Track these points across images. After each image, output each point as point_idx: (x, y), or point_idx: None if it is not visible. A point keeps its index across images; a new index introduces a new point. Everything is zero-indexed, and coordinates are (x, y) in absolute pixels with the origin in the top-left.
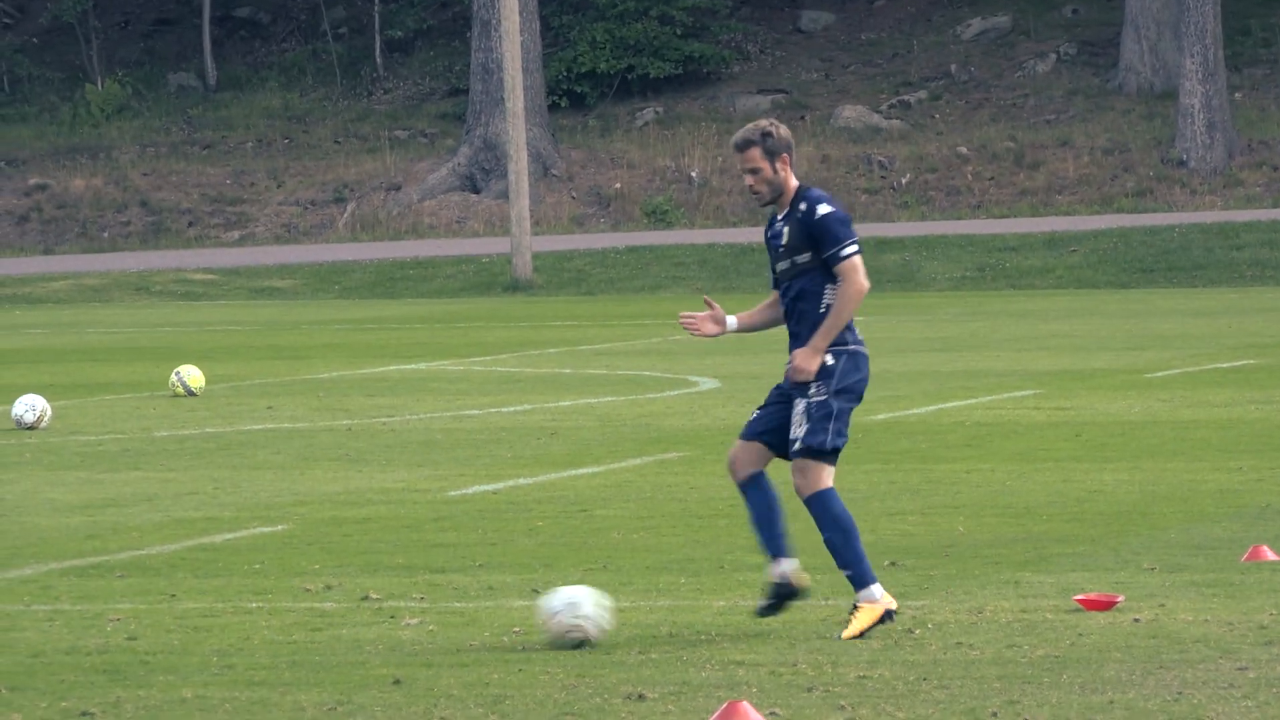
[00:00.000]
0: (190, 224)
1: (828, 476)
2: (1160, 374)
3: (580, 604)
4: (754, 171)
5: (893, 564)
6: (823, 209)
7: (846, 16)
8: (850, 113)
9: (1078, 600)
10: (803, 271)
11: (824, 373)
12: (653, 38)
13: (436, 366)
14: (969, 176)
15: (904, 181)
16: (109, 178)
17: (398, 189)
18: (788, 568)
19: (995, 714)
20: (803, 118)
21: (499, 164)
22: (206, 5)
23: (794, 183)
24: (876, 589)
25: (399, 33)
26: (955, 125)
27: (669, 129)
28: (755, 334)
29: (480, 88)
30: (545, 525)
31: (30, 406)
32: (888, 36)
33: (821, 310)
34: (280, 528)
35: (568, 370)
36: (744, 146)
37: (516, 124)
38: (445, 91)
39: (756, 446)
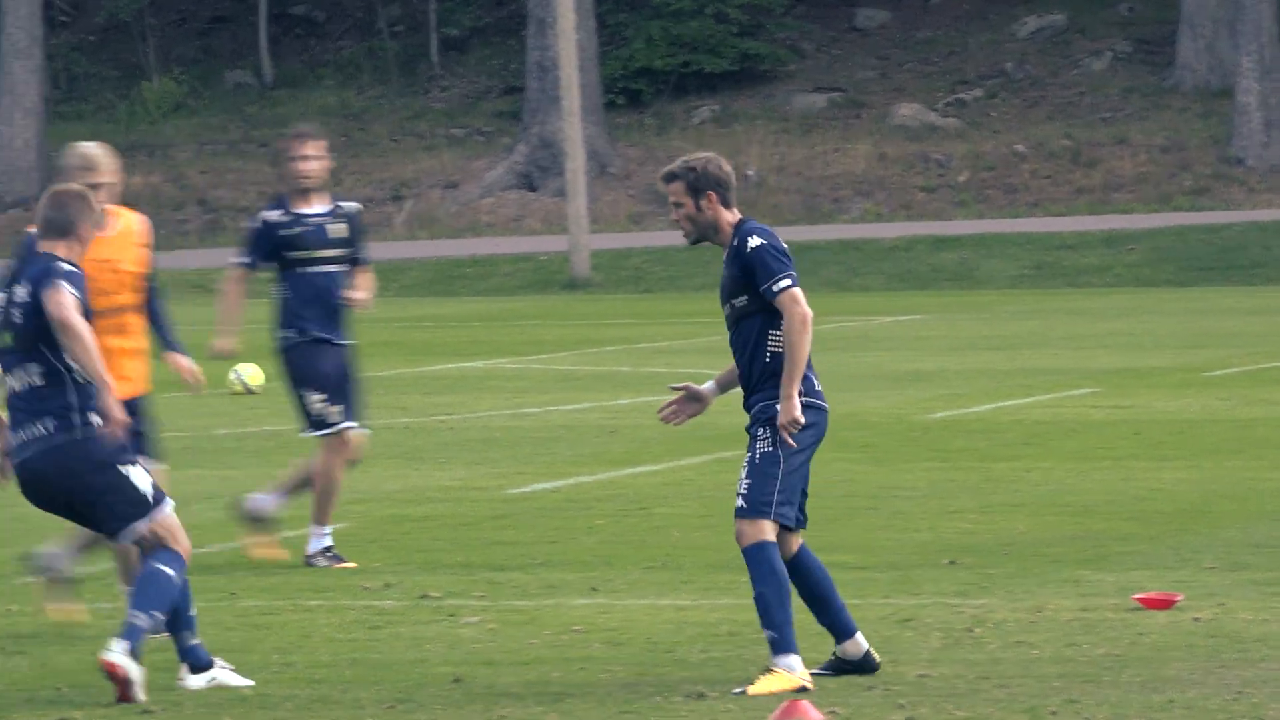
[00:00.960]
0: (248, 221)
1: (769, 529)
2: (1219, 372)
3: None
4: (678, 205)
5: (952, 562)
6: (754, 241)
7: (902, 14)
8: (907, 111)
9: (1137, 599)
10: (742, 316)
11: (773, 423)
12: (709, 35)
13: (494, 364)
14: (1026, 174)
15: (961, 180)
16: (166, 175)
17: (455, 187)
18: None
19: (1055, 713)
20: (859, 116)
21: (556, 162)
22: (263, 3)
23: (730, 218)
24: (796, 660)
25: (455, 30)
26: (1012, 123)
27: (725, 127)
28: (814, 334)
29: (536, 85)
30: (605, 523)
31: None
32: (943, 34)
33: (768, 359)
34: (340, 526)
35: (626, 368)
36: (668, 180)
37: (573, 122)
38: (501, 89)
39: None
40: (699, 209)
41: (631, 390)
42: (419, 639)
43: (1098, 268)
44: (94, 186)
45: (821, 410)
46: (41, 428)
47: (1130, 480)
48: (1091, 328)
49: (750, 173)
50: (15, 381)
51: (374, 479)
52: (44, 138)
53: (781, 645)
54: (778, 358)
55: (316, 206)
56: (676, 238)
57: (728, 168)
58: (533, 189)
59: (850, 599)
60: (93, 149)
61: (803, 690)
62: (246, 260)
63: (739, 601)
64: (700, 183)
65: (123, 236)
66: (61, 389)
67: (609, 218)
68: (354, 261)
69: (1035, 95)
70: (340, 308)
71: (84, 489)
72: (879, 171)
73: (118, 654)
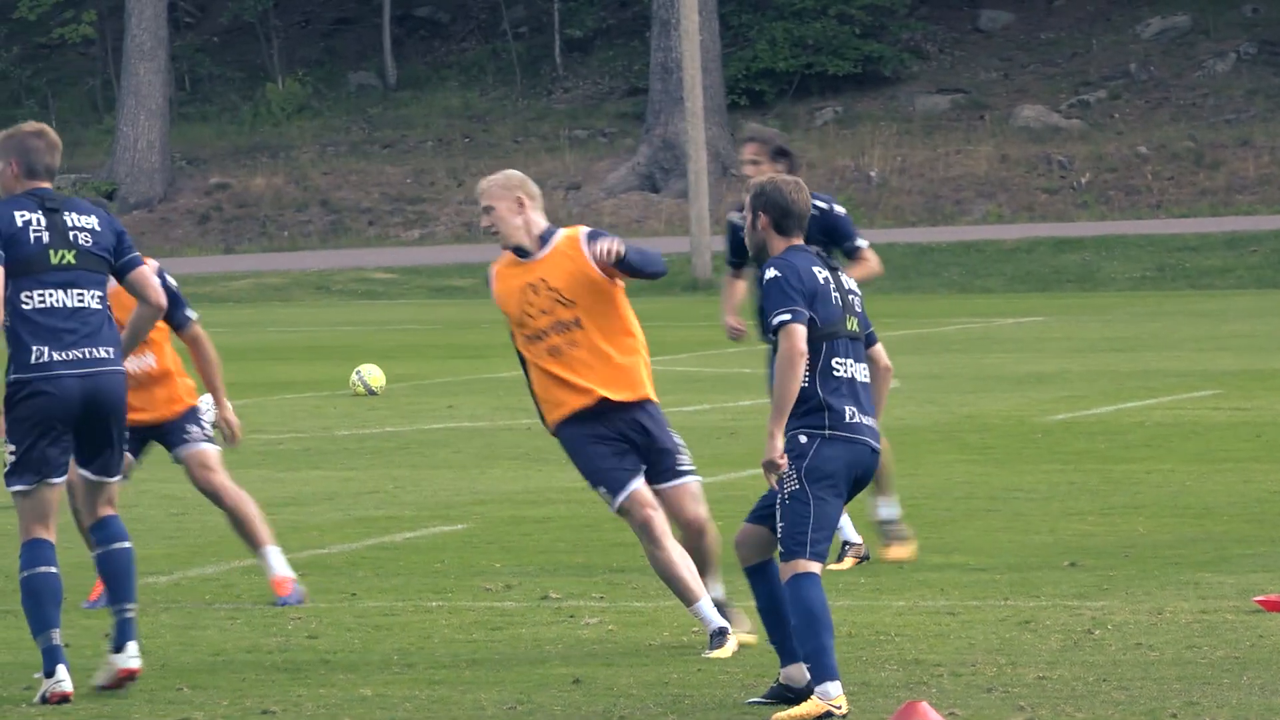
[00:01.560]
0: (370, 223)
1: (805, 565)
2: None
3: None
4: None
5: (1072, 564)
6: (769, 273)
7: (1025, 16)
8: (1029, 112)
9: (1258, 601)
10: (772, 346)
11: (797, 460)
12: (831, 37)
13: None
14: (1148, 176)
15: (1083, 181)
16: (289, 177)
17: (578, 188)
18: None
19: (1174, 715)
20: (982, 117)
21: (678, 163)
22: (387, 4)
23: (778, 246)
24: (832, 686)
25: (579, 32)
26: (1135, 125)
27: (848, 128)
28: (935, 335)
29: (660, 87)
30: (725, 525)
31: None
32: (1067, 35)
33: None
34: (460, 527)
35: (747, 370)
36: (750, 193)
37: (696, 123)
38: (624, 90)
39: (761, 530)
40: (754, 226)
41: (752, 392)
42: (539, 640)
43: (1220, 269)
44: None
45: (850, 443)
46: None
47: (1251, 482)
48: (1213, 330)
49: (873, 174)
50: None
51: (494, 480)
52: (168, 139)
53: (818, 673)
54: (803, 390)
55: None
56: None
57: (794, 196)
58: (655, 190)
59: (969, 600)
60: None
61: (827, 716)
62: (731, 261)
63: (857, 603)
64: (756, 203)
65: None
66: None
67: None
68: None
69: (1158, 97)
70: None
71: None
72: (1001, 173)
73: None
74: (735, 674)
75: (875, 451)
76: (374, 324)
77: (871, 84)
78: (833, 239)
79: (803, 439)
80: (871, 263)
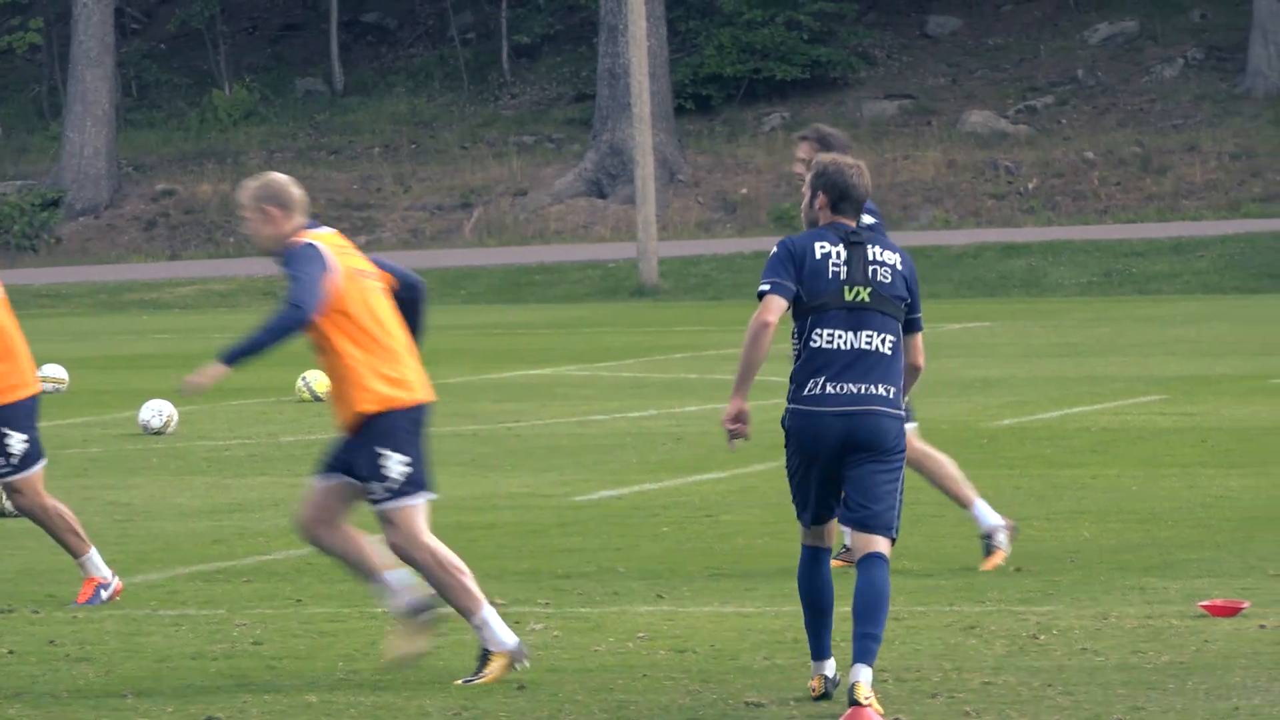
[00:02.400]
0: None
1: (803, 535)
2: None
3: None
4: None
5: (1018, 569)
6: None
7: (973, 21)
8: (977, 118)
9: (1203, 606)
10: None
11: (787, 434)
12: (779, 42)
13: (562, 372)
14: (1095, 181)
15: (1030, 187)
16: (236, 183)
17: (524, 194)
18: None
19: None
20: (929, 123)
21: (625, 169)
22: (334, 10)
23: (821, 220)
24: (822, 664)
25: (526, 38)
26: (1082, 130)
27: (795, 133)
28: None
29: (607, 93)
30: (670, 530)
31: (157, 412)
32: (1014, 41)
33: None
34: None
35: (693, 375)
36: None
37: (643, 129)
38: (572, 97)
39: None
40: (811, 204)
41: (698, 398)
42: None
43: (1166, 275)
44: None
45: (804, 415)
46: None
47: (1196, 487)
48: (1160, 335)
49: None
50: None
51: (441, 486)
52: (115, 145)
53: (810, 647)
54: (796, 361)
55: None
56: (744, 245)
57: (854, 180)
58: (602, 196)
59: (915, 606)
60: None
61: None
62: None
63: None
64: (816, 181)
65: None
66: None
67: (678, 225)
68: None
69: (1106, 102)
70: None
71: None
72: (948, 178)
73: None
74: (680, 680)
75: (849, 415)
76: None
77: (819, 89)
78: None
79: (783, 415)
80: None
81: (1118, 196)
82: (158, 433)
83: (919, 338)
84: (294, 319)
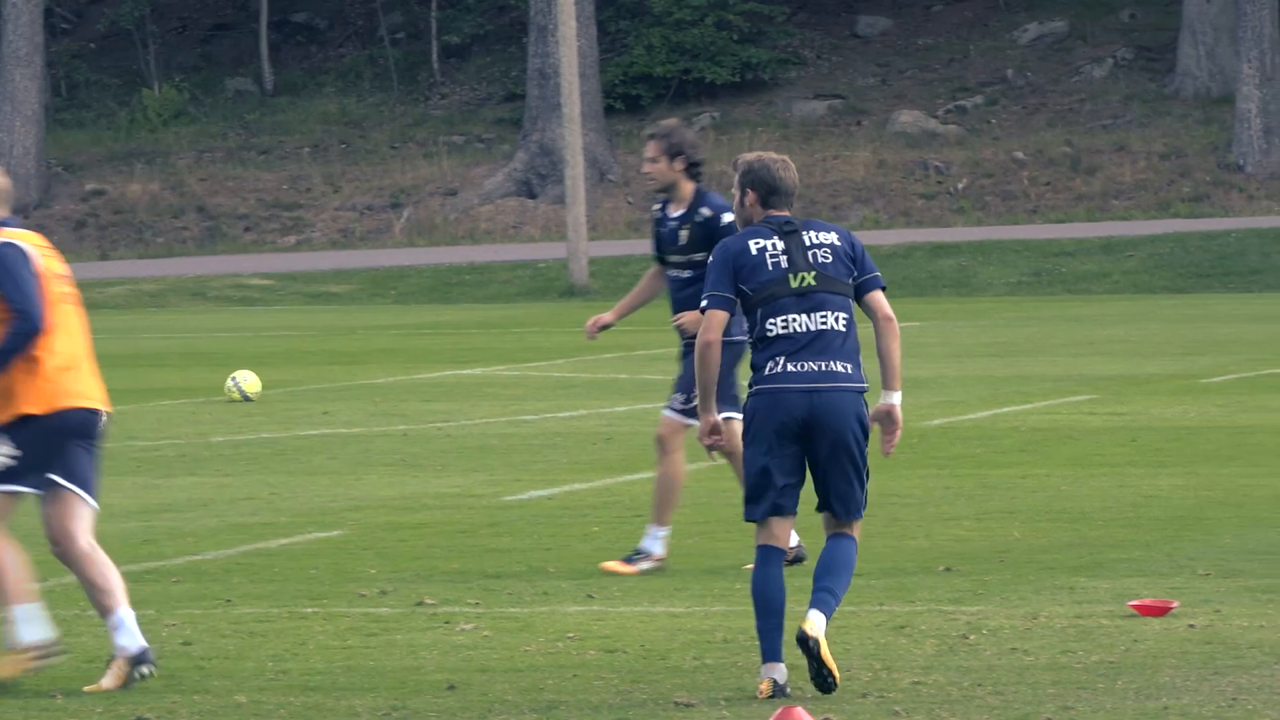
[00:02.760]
0: (247, 229)
1: (757, 531)
2: (1216, 379)
3: None
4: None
5: (947, 569)
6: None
7: (903, 22)
8: (907, 118)
9: (1133, 606)
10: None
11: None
12: (709, 43)
13: (492, 372)
14: (1025, 181)
15: (960, 186)
16: (166, 183)
17: (454, 194)
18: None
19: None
20: (859, 123)
21: (555, 169)
22: (264, 10)
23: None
24: (766, 668)
25: (456, 38)
26: (1011, 130)
27: (725, 133)
28: None
29: (537, 93)
30: (601, 530)
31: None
32: (944, 41)
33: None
34: (336, 533)
35: (624, 375)
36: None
37: (573, 129)
38: (502, 97)
39: (822, 516)
40: (742, 203)
41: (628, 398)
42: (414, 646)
43: (1096, 274)
44: None
45: (768, 394)
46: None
47: (1126, 487)
48: (1089, 334)
49: None
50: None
51: (370, 486)
52: (44, 145)
53: (761, 645)
54: (751, 357)
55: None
56: None
57: (781, 174)
58: (532, 196)
59: (845, 606)
60: None
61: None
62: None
63: (733, 609)
64: (744, 180)
65: None
66: None
67: (608, 225)
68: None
69: (1035, 102)
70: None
71: None
72: (878, 178)
73: None
74: (610, 680)
75: (813, 392)
76: (250, 330)
77: (749, 89)
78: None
79: (746, 403)
80: None
81: (1047, 196)
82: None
83: (879, 294)
84: (26, 332)
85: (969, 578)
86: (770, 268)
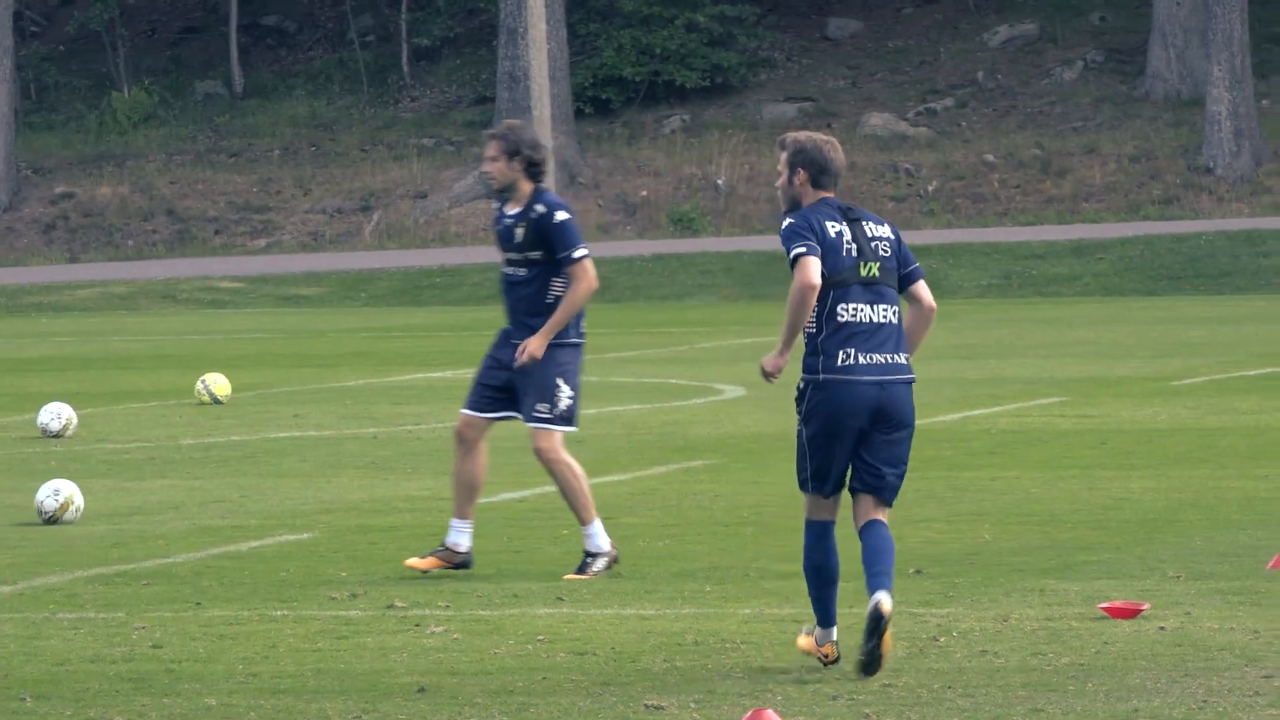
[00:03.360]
0: (217, 232)
1: (806, 503)
2: (1186, 381)
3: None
4: (779, 173)
5: (917, 572)
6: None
7: (874, 24)
8: (877, 120)
9: (1103, 608)
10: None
11: (798, 398)
12: (679, 45)
13: (463, 374)
14: (995, 184)
15: (930, 189)
16: (135, 186)
17: (424, 197)
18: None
19: None
20: (830, 125)
21: None
22: (233, 13)
23: (811, 198)
24: (821, 631)
25: (426, 41)
26: (982, 133)
27: (695, 136)
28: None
29: (507, 95)
30: (570, 533)
31: (56, 415)
32: (915, 44)
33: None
34: (306, 536)
35: (593, 378)
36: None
37: (543, 132)
38: (472, 99)
39: (853, 498)
40: (790, 182)
41: (598, 400)
42: (384, 649)
43: (1066, 277)
44: None
45: (841, 385)
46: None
47: (1096, 489)
48: (1059, 337)
49: (720, 182)
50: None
51: (340, 489)
52: (14, 148)
53: (818, 619)
54: (808, 335)
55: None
56: (644, 247)
57: (830, 154)
58: None
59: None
60: None
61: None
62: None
63: (703, 611)
64: (795, 159)
65: None
66: None
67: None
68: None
69: (1006, 105)
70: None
71: None
72: (848, 180)
73: None
74: (581, 683)
75: (883, 385)
76: (220, 333)
77: (719, 92)
78: (549, 246)
79: (801, 385)
80: (584, 280)
81: (1017, 199)
82: (56, 435)
83: (923, 284)
84: None
85: (939, 580)
86: (844, 253)
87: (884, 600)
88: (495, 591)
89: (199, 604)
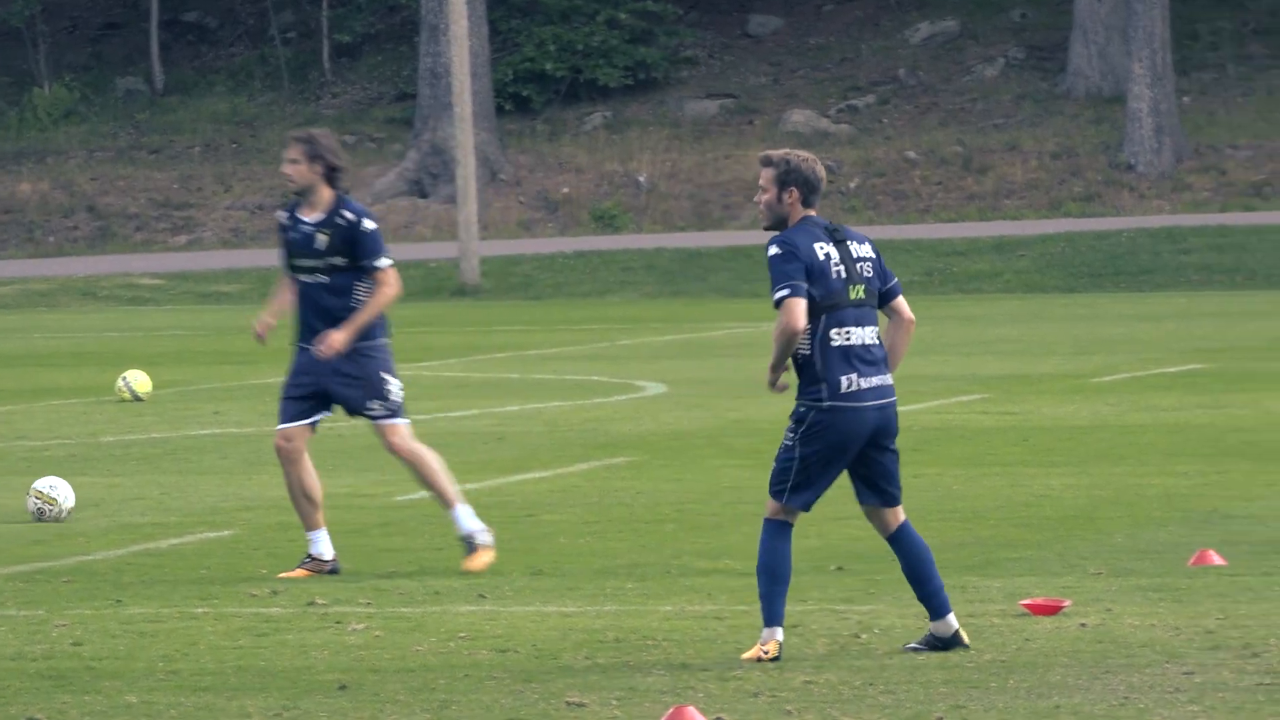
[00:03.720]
0: (137, 229)
1: (782, 508)
2: (1107, 379)
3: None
4: (763, 190)
5: (839, 569)
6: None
7: (795, 21)
8: (798, 117)
9: (1024, 605)
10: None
11: (797, 419)
12: (600, 42)
13: None
14: (917, 181)
15: (852, 186)
16: (56, 182)
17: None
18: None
19: (941, 718)
20: (751, 122)
21: (447, 169)
22: (154, 10)
23: (798, 215)
24: (768, 631)
25: (347, 37)
26: (903, 129)
27: (617, 133)
28: (703, 340)
29: (428, 92)
30: (492, 530)
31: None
32: (836, 41)
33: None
34: (227, 533)
35: (515, 375)
36: (763, 164)
37: (464, 128)
38: (393, 96)
39: (871, 508)
40: (780, 200)
41: (520, 397)
42: (305, 646)
43: (988, 274)
44: None
45: (847, 411)
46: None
47: (1018, 486)
48: (981, 334)
49: (642, 179)
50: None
51: (261, 486)
52: None
53: (765, 616)
54: (805, 360)
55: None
56: (565, 244)
57: (818, 171)
58: (423, 196)
59: (737, 605)
60: None
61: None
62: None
63: (624, 608)
64: (786, 178)
65: None
66: None
67: (499, 224)
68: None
69: (927, 102)
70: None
71: None
72: None
73: None
74: (503, 680)
75: (882, 408)
76: (141, 330)
77: (641, 89)
78: (355, 254)
79: (802, 409)
80: (389, 287)
81: (939, 196)
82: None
83: (902, 299)
84: None
85: (861, 577)
86: (834, 276)
87: (959, 630)
88: (417, 589)
89: (119, 601)
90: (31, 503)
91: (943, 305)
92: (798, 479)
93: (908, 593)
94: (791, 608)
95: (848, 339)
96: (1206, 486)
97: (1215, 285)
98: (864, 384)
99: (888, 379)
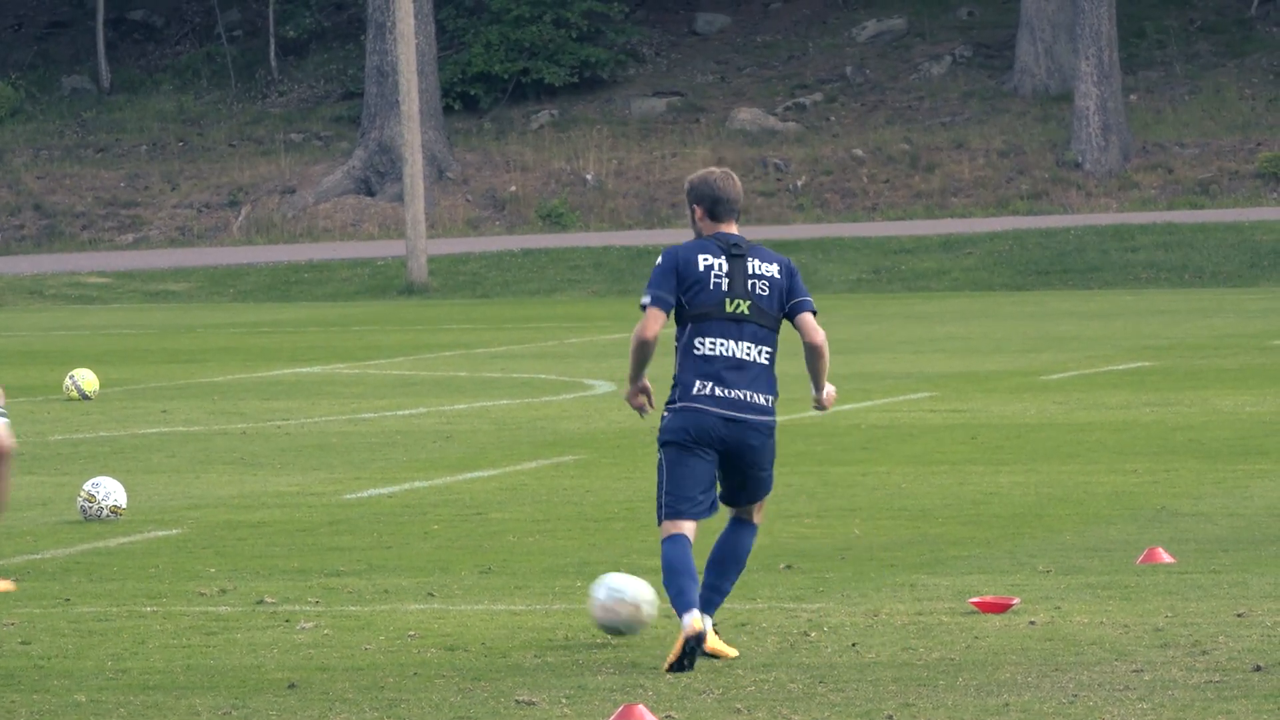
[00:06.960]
0: (84, 227)
1: (667, 524)
2: (1055, 376)
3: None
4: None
5: (788, 567)
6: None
7: (742, 19)
8: (746, 115)
9: (973, 603)
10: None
11: (660, 427)
12: (547, 40)
13: (331, 370)
14: (864, 179)
15: (799, 184)
16: (1, 181)
17: (292, 192)
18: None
19: (891, 716)
20: (698, 120)
21: (394, 167)
22: (100, 8)
23: (707, 230)
24: (687, 616)
25: (294, 33)
26: (850, 127)
27: (564, 131)
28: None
29: (375, 90)
30: (441, 529)
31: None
32: (783, 39)
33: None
34: (175, 532)
35: (463, 373)
36: None
37: (411, 127)
38: (340, 94)
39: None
40: (692, 219)
41: (468, 395)
42: (254, 645)
43: (935, 272)
44: None
45: (692, 412)
46: None
47: (966, 484)
48: (929, 332)
49: (589, 177)
50: None
51: (209, 485)
52: None
53: (677, 607)
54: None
55: None
56: (513, 242)
57: (723, 184)
58: (370, 194)
59: None
60: None
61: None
62: None
63: (573, 606)
64: (689, 196)
65: None
66: None
67: (446, 223)
68: None
69: (874, 100)
70: None
71: None
72: None
73: None
74: (452, 679)
75: (735, 422)
76: (88, 328)
77: (588, 87)
78: None
79: (663, 414)
80: None
81: (886, 194)
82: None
83: (808, 316)
84: None
85: (810, 575)
86: (711, 287)
87: (707, 624)
88: (366, 587)
89: (68, 600)
90: (80, 503)
91: (890, 303)
92: (668, 487)
93: (858, 591)
94: (740, 606)
95: (713, 349)
96: (1155, 484)
97: (1162, 283)
98: (719, 392)
99: (759, 400)
